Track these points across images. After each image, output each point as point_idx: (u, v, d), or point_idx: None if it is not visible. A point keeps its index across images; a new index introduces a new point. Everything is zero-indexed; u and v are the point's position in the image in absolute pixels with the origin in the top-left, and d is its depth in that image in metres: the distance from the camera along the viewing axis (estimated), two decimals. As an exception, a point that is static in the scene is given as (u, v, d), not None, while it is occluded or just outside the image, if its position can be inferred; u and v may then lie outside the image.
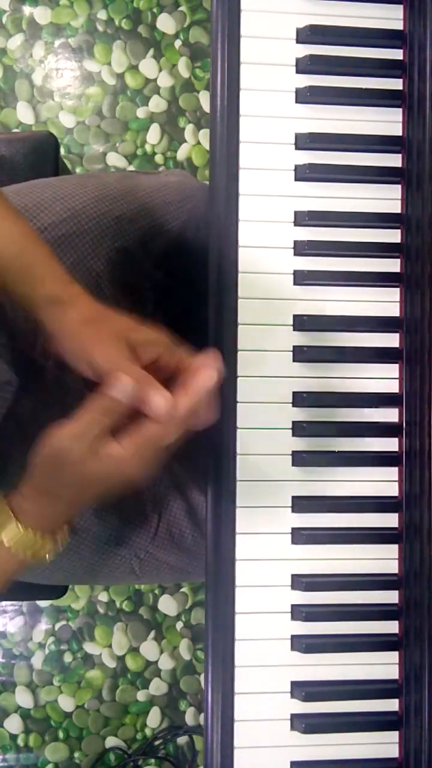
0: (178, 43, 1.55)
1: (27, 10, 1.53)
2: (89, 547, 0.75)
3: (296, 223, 0.65)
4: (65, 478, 0.56)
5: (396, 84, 0.66)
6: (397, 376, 0.67)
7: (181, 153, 1.54)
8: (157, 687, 1.50)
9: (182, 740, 1.50)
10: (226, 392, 0.64)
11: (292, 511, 0.65)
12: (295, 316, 0.65)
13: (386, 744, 0.65)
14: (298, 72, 0.65)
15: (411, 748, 0.64)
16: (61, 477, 0.56)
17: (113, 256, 0.74)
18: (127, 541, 0.76)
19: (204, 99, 1.55)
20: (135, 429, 0.54)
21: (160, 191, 0.78)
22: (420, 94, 0.64)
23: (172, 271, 0.77)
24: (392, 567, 0.66)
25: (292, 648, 0.65)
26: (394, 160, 0.66)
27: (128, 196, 0.76)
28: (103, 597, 1.53)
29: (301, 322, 0.65)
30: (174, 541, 0.77)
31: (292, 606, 0.65)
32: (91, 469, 0.55)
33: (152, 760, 1.48)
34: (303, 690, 0.64)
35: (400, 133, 0.66)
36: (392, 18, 0.66)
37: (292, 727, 0.65)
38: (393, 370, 0.66)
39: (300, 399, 0.65)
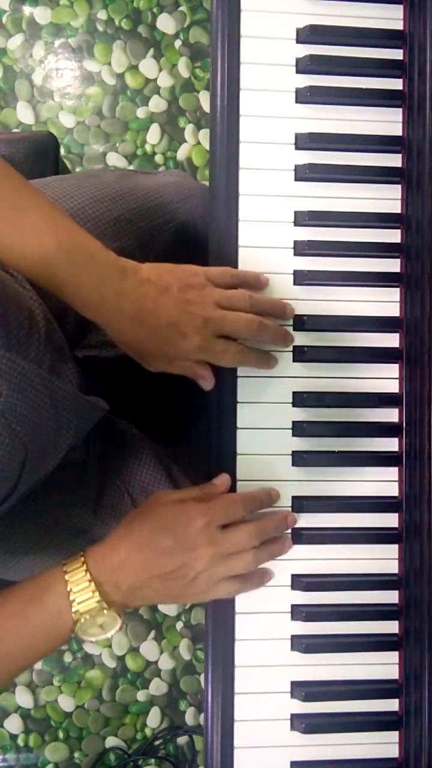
0: (178, 43, 1.54)
1: (27, 10, 1.53)
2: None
3: (296, 223, 0.65)
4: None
5: (396, 84, 0.66)
6: (397, 376, 0.66)
7: (181, 153, 1.54)
8: (157, 687, 1.50)
9: (182, 740, 1.50)
10: (226, 392, 0.64)
11: (292, 511, 0.65)
12: (295, 317, 0.65)
13: (386, 744, 0.65)
14: (298, 72, 0.65)
15: (411, 748, 0.64)
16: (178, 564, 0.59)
17: None
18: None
19: (204, 99, 1.55)
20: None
21: (158, 191, 0.78)
22: (420, 94, 0.64)
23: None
24: (392, 567, 0.66)
25: (292, 648, 0.65)
26: (394, 160, 0.66)
27: (126, 197, 0.76)
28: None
29: (301, 322, 0.65)
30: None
31: (292, 606, 0.65)
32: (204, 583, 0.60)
33: (152, 760, 1.48)
34: (303, 690, 0.64)
35: (400, 133, 0.66)
36: (392, 18, 0.66)
37: (292, 727, 0.65)
38: (393, 370, 0.66)
39: (300, 399, 0.65)
